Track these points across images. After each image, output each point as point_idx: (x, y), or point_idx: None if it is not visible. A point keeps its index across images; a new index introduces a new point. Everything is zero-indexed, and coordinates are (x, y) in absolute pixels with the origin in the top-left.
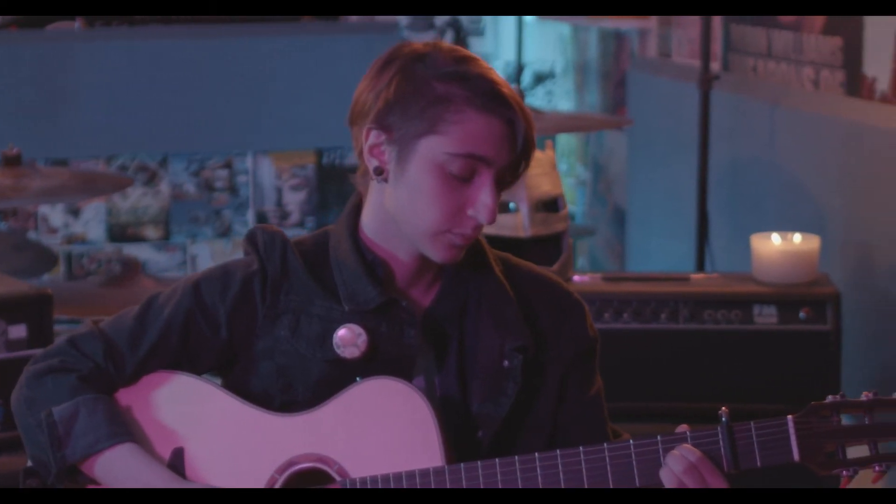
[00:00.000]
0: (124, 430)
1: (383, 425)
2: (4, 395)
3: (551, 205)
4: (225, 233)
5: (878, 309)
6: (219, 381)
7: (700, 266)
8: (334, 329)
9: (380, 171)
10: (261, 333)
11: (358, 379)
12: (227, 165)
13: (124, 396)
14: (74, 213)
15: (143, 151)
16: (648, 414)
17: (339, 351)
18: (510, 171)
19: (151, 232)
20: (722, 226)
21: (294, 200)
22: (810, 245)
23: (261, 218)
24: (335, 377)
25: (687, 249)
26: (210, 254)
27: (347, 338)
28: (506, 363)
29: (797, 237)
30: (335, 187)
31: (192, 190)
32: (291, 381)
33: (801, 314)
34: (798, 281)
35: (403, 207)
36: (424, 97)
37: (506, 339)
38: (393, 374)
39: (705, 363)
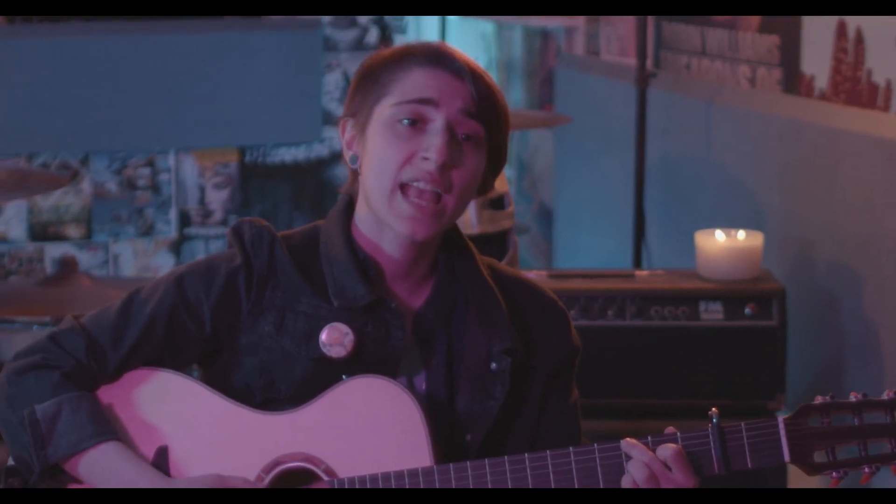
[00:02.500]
0: (108, 428)
1: (371, 424)
2: None
3: (497, 202)
4: (147, 231)
5: (818, 304)
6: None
7: (637, 263)
8: (321, 327)
9: (355, 160)
10: (244, 328)
11: (344, 377)
12: (150, 164)
13: (106, 394)
14: None
15: (65, 149)
16: (595, 410)
17: (325, 349)
18: (487, 121)
19: (73, 231)
20: (655, 223)
21: (217, 199)
22: (754, 242)
23: (183, 216)
24: (319, 375)
25: (617, 247)
26: (132, 253)
27: (334, 337)
28: (493, 366)
29: (741, 234)
30: (258, 185)
31: (115, 188)
32: (274, 377)
33: (747, 310)
34: (742, 277)
35: (367, 178)
36: (377, 71)
37: (493, 341)
38: (377, 374)
39: (653, 359)
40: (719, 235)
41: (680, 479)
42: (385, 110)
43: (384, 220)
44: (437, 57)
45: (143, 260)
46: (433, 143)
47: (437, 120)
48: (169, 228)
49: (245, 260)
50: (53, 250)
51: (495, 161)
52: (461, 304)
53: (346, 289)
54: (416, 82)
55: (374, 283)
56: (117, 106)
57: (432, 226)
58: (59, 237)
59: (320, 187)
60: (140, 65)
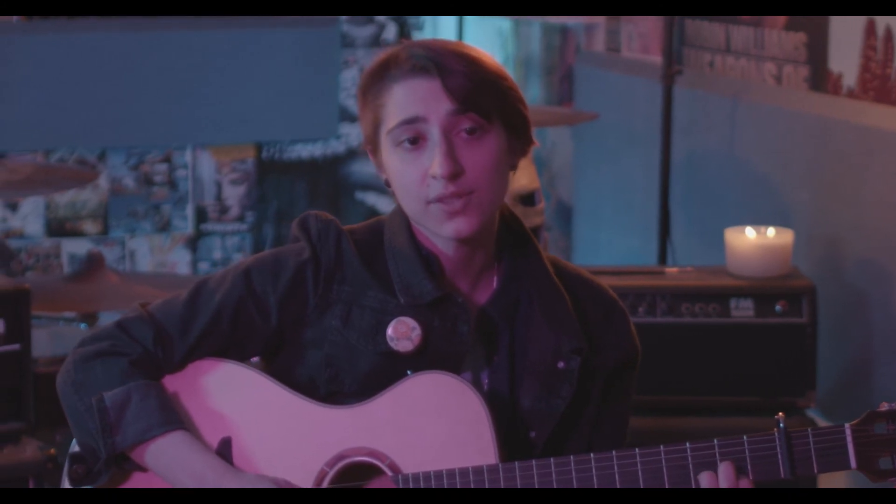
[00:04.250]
0: (176, 417)
1: (436, 421)
2: None
3: (528, 199)
4: (164, 227)
5: (846, 302)
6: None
7: (662, 260)
8: (388, 321)
9: (387, 183)
10: (310, 322)
11: (409, 373)
12: (167, 159)
13: (171, 383)
14: (12, 207)
15: (82, 145)
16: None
17: (392, 344)
18: (477, 107)
19: (90, 226)
20: (679, 220)
21: (234, 195)
22: (784, 239)
23: (200, 212)
24: (384, 369)
25: (639, 244)
26: (149, 249)
27: (401, 331)
28: (561, 364)
29: (771, 231)
30: (275, 181)
31: (131, 184)
32: (339, 371)
33: (778, 307)
34: (772, 274)
35: (400, 199)
36: (367, 96)
37: (561, 340)
38: (442, 369)
39: (683, 356)
40: (749, 233)
41: None
42: (386, 136)
43: (430, 230)
44: (406, 64)
45: (160, 256)
46: (435, 159)
47: (433, 132)
48: (185, 224)
49: (313, 253)
50: (70, 246)
51: (516, 125)
52: (525, 300)
53: (413, 285)
54: (398, 103)
55: (438, 279)
56: (134, 102)
57: (473, 221)
58: (76, 233)
59: (337, 184)
60: (157, 61)
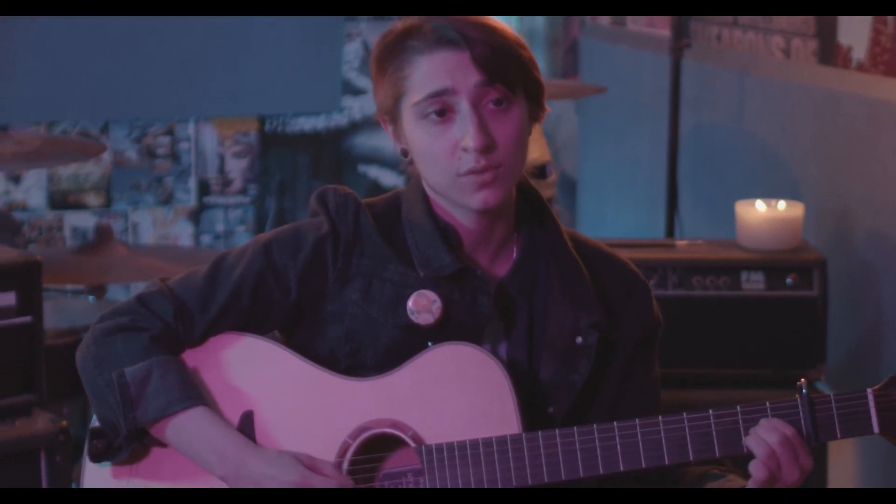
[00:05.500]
0: (197, 393)
1: (458, 391)
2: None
3: (539, 171)
4: (167, 200)
5: (856, 275)
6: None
7: (670, 234)
8: (408, 294)
9: (405, 153)
10: (330, 296)
11: (430, 344)
12: (169, 132)
13: (192, 358)
14: (15, 179)
15: (85, 118)
16: None
17: (412, 317)
18: (504, 78)
19: (93, 199)
20: (686, 194)
21: (237, 168)
22: (794, 212)
23: (203, 185)
24: (405, 342)
25: (645, 217)
26: (152, 221)
27: (422, 304)
28: (579, 339)
29: (781, 204)
30: (278, 154)
31: (134, 157)
32: (359, 344)
33: (788, 280)
34: (782, 247)
35: (424, 172)
36: (387, 68)
37: (580, 315)
38: (463, 341)
39: (694, 329)
40: (760, 206)
41: (806, 464)
42: (410, 109)
43: (455, 202)
44: (431, 36)
45: (162, 229)
46: (467, 131)
47: (461, 105)
48: (188, 197)
49: (332, 227)
50: (73, 219)
51: (535, 94)
52: (543, 275)
53: (431, 258)
54: (425, 75)
55: (457, 251)
56: (137, 75)
57: (500, 191)
58: (79, 205)
59: (339, 157)
60: (160, 33)
